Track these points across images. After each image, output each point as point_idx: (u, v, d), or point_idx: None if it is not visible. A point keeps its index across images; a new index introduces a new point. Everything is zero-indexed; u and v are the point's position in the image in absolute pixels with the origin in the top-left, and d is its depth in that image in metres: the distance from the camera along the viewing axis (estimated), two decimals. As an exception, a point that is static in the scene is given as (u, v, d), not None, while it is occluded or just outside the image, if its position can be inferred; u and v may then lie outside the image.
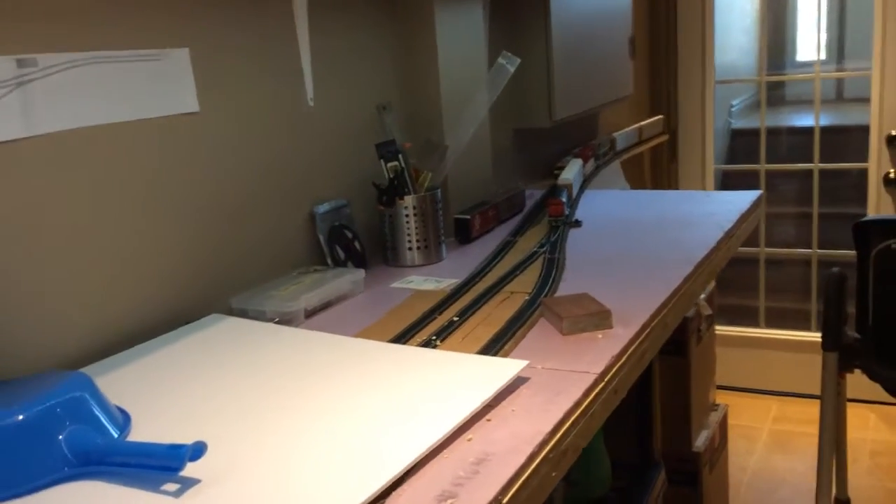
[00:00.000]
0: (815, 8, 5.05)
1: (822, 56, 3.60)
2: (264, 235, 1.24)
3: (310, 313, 1.15)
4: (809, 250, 2.94)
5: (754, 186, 2.84)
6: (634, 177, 2.80)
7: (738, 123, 4.29)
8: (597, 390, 0.85)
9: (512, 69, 1.46)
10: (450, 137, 1.52)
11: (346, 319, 1.12)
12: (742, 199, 1.63)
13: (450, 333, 1.02)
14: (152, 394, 0.86)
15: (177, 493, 0.66)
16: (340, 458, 0.70)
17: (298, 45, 1.29)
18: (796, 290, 3.08)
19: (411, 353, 0.94)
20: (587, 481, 1.48)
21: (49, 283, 0.93)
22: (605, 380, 0.87)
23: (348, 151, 1.42)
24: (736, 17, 4.09)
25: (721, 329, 2.90)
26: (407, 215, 1.37)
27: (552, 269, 1.26)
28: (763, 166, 2.96)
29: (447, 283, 1.25)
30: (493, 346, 0.97)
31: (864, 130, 2.84)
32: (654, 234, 1.44)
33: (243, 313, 1.12)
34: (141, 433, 0.78)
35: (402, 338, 1.02)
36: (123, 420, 0.78)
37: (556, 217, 1.57)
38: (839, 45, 4.87)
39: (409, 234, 1.37)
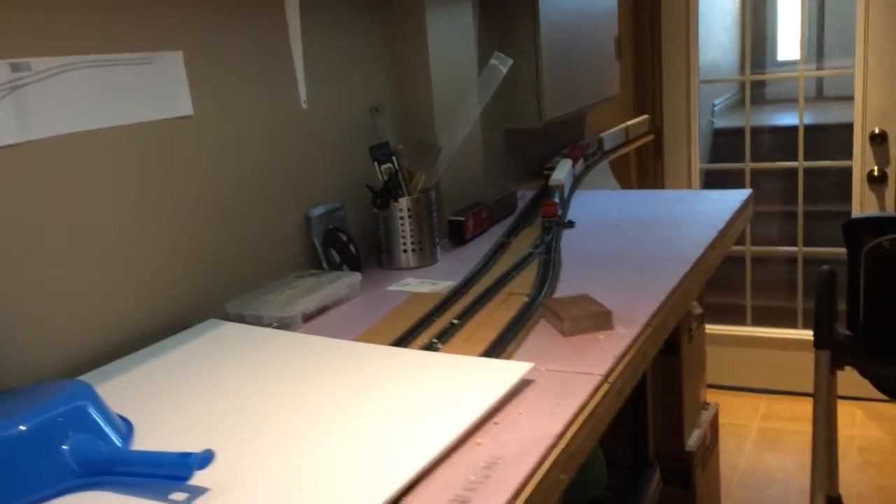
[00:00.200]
0: (794, 7, 5.10)
1: (800, 55, 3.62)
2: (259, 239, 1.23)
3: (307, 317, 1.14)
4: (795, 248, 2.96)
5: (736, 185, 2.86)
6: (621, 176, 2.80)
7: (721, 123, 4.31)
8: (602, 391, 0.85)
9: (504, 70, 1.46)
10: (442, 139, 1.51)
11: (345, 323, 1.12)
12: (733, 198, 1.63)
13: (451, 336, 1.02)
14: (153, 401, 0.85)
15: (186, 502, 0.65)
16: (350, 463, 0.69)
17: (291, 47, 1.28)
18: (782, 288, 3.10)
19: (414, 357, 0.93)
20: (583, 482, 1.48)
21: (45, 290, 0.91)
22: (610, 381, 0.87)
23: (341, 154, 1.41)
24: (716, 16, 4.12)
25: (708, 328, 2.91)
26: (401, 217, 1.36)
27: (549, 271, 1.26)
28: (748, 165, 2.98)
29: (444, 286, 1.25)
30: (496, 349, 0.96)
31: (845, 128, 2.87)
32: (647, 233, 1.44)
33: (240, 318, 1.11)
34: (144, 442, 0.77)
35: (402, 341, 1.01)
36: (126, 429, 0.77)
37: (550, 218, 1.57)
38: (818, 44, 4.91)
39: (403, 237, 1.36)
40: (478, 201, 1.62)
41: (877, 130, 2.69)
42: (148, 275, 1.04)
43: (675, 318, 1.14)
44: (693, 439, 1.88)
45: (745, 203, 1.64)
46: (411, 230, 1.36)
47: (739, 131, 3.77)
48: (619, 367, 0.90)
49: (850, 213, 2.81)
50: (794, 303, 2.97)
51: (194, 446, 0.68)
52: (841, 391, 1.75)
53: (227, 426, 0.78)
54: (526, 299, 1.14)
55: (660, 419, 1.77)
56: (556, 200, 1.63)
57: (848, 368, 1.68)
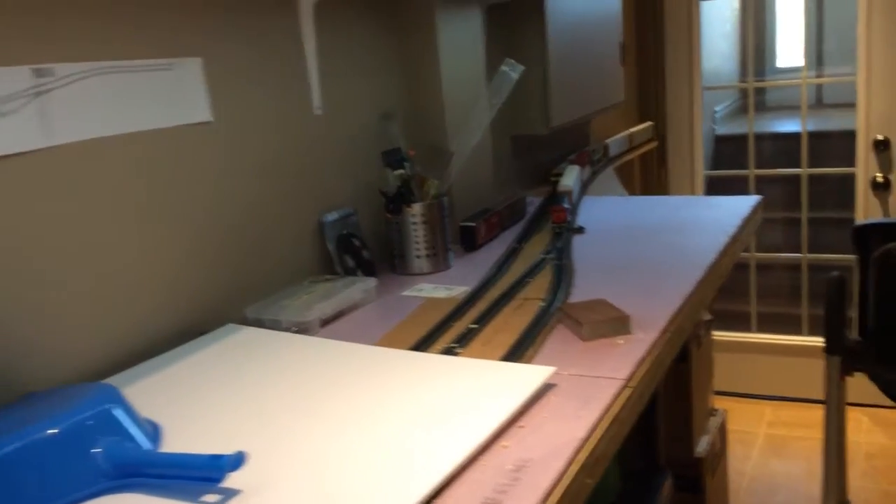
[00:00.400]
0: (792, 15, 5.11)
1: (802, 62, 3.64)
2: (274, 244, 1.24)
3: (324, 322, 1.14)
4: (799, 254, 2.97)
5: (737, 192, 2.87)
6: (625, 183, 2.81)
7: (722, 129, 4.33)
8: (625, 396, 0.85)
9: (515, 76, 1.46)
10: (453, 145, 1.52)
11: (362, 328, 1.12)
12: (742, 205, 1.64)
13: (469, 341, 1.02)
14: (177, 405, 0.85)
15: (218, 505, 0.66)
16: (380, 466, 0.69)
17: (305, 55, 1.29)
18: (786, 295, 3.11)
19: (435, 361, 0.93)
20: (596, 489, 1.48)
21: (66, 294, 0.92)
22: (632, 385, 0.88)
23: (353, 159, 1.42)
24: (716, 23, 4.13)
25: (713, 334, 2.91)
26: (414, 223, 1.36)
27: (562, 276, 1.27)
28: (752, 171, 2.98)
29: (458, 291, 1.25)
30: (515, 353, 0.97)
31: (845, 135, 2.88)
32: (658, 239, 1.44)
33: (258, 323, 1.11)
34: (171, 445, 0.77)
35: (421, 345, 1.02)
36: (154, 432, 0.77)
37: (560, 224, 1.57)
38: (818, 51, 4.93)
39: (416, 242, 1.37)
40: (487, 207, 1.63)
41: (880, 137, 2.70)
42: (167, 280, 1.05)
43: (691, 323, 1.14)
44: (702, 446, 1.88)
45: (755, 209, 1.64)
46: (424, 236, 1.37)
47: (740, 138, 3.78)
48: (640, 372, 0.91)
49: (852, 219, 2.81)
50: (799, 309, 2.98)
51: (221, 449, 0.69)
52: (847, 397, 1.76)
53: (252, 429, 0.79)
54: (542, 304, 1.14)
55: (669, 426, 1.77)
56: (566, 206, 1.64)
57: (856, 374, 1.69)
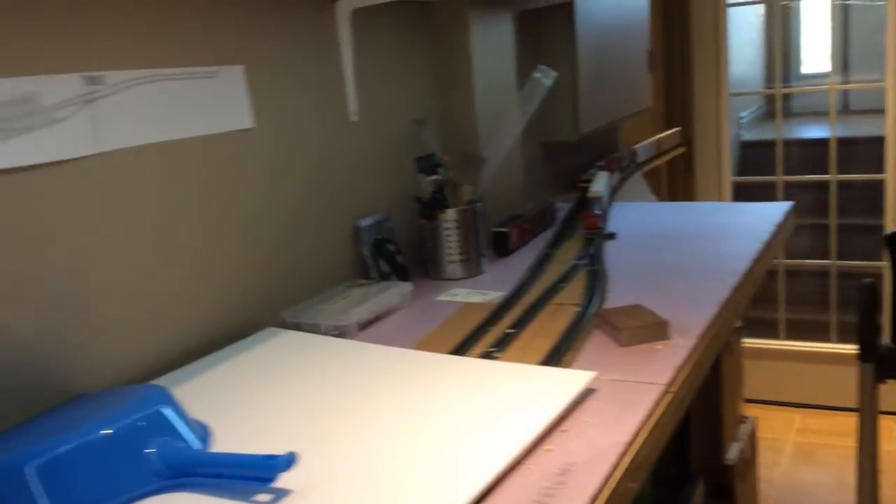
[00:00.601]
0: (818, 21, 5.09)
1: (827, 68, 3.62)
2: (311, 249, 1.25)
3: (361, 326, 1.15)
4: (828, 261, 2.95)
5: (763, 198, 2.86)
6: (651, 189, 2.81)
7: (747, 135, 4.31)
8: (666, 401, 0.86)
9: (549, 83, 1.47)
10: (485, 151, 1.53)
11: (399, 332, 1.13)
12: (774, 211, 1.64)
13: (507, 345, 1.03)
14: (224, 406, 0.87)
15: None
16: (427, 468, 0.70)
17: (342, 62, 1.30)
18: (814, 302, 3.09)
19: (475, 365, 0.94)
20: (627, 493, 1.48)
21: (115, 298, 0.93)
22: (672, 390, 0.88)
23: (387, 165, 1.43)
24: (741, 29, 4.12)
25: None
26: (448, 228, 1.37)
27: (596, 281, 1.27)
28: (780, 178, 2.97)
29: (493, 296, 1.26)
30: (554, 358, 0.97)
31: (873, 141, 2.86)
32: (690, 245, 1.44)
33: (296, 327, 1.13)
34: (219, 445, 0.78)
35: (460, 349, 1.03)
36: (203, 432, 0.78)
37: (591, 230, 1.58)
38: (843, 57, 4.90)
39: (450, 248, 1.38)
40: (518, 213, 1.64)
41: (910, 143, 2.69)
42: (210, 284, 1.06)
43: (728, 329, 1.14)
44: (733, 453, 1.87)
45: (787, 215, 1.64)
46: (458, 241, 1.38)
47: (765, 144, 3.76)
48: (681, 377, 0.91)
49: (881, 226, 2.80)
50: (828, 316, 2.96)
51: (269, 450, 0.70)
52: (880, 405, 1.75)
53: (299, 431, 0.80)
54: (577, 309, 1.15)
55: (700, 432, 1.77)
56: (597, 212, 1.64)
57: (889, 382, 1.68)
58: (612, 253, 1.45)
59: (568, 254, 1.48)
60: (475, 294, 1.28)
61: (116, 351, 0.94)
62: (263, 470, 0.67)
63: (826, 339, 2.94)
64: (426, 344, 1.06)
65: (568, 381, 0.86)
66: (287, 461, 0.67)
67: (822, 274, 3.01)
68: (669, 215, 1.72)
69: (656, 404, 0.84)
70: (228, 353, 1.02)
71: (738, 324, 1.91)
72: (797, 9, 5.06)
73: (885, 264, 2.78)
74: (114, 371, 0.93)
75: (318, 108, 1.26)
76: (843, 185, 2.99)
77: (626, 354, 0.97)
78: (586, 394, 0.86)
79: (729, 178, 3.03)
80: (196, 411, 0.83)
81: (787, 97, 4.88)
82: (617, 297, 1.19)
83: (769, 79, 4.67)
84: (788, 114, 4.92)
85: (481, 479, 0.68)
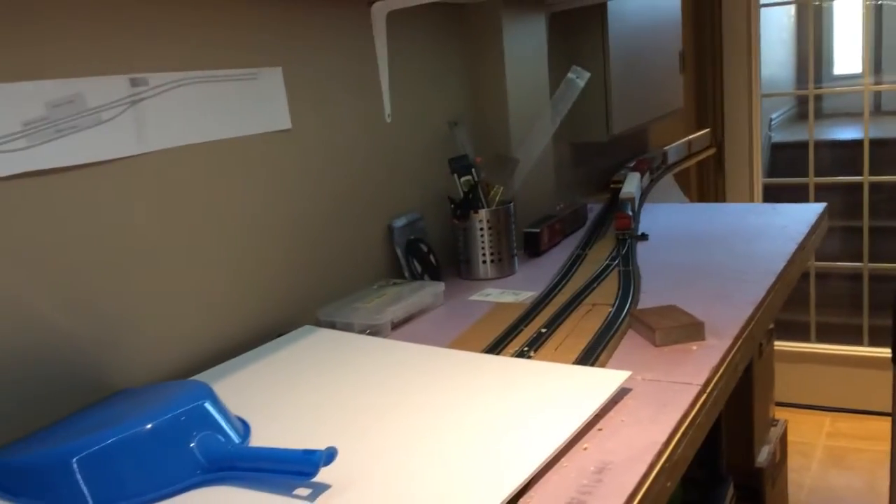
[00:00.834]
0: (850, 22, 5.03)
1: (859, 69, 3.59)
2: (346, 249, 1.26)
3: (395, 325, 1.16)
4: (860, 263, 2.92)
5: (795, 200, 2.83)
6: (682, 190, 2.80)
7: (778, 137, 4.28)
8: (701, 401, 0.86)
9: (582, 83, 1.48)
10: (518, 152, 1.53)
11: (433, 331, 1.14)
12: (809, 212, 1.63)
13: (541, 344, 1.04)
14: (263, 402, 0.88)
15: (310, 498, 0.68)
16: (463, 464, 0.71)
17: (378, 64, 1.31)
18: (846, 305, 3.06)
19: (509, 364, 0.95)
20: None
21: (156, 296, 0.95)
22: (708, 391, 0.88)
23: (421, 166, 1.44)
24: (773, 30, 4.09)
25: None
26: (481, 229, 1.38)
27: (630, 282, 1.27)
28: (812, 179, 2.95)
29: (526, 296, 1.26)
30: (589, 357, 0.98)
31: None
32: (723, 246, 1.44)
33: (331, 325, 1.14)
34: (259, 440, 0.79)
35: (494, 348, 1.03)
36: (244, 428, 0.80)
37: (624, 230, 1.58)
38: (876, 58, 4.84)
39: (483, 248, 1.38)
40: (550, 214, 1.64)
41: (945, 145, 2.65)
42: (248, 282, 1.08)
43: (762, 330, 1.14)
44: (763, 456, 1.87)
45: (821, 217, 1.63)
46: (490, 241, 1.38)
47: (797, 145, 3.73)
48: (716, 378, 0.91)
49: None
50: (859, 319, 2.93)
51: (308, 445, 0.71)
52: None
53: (336, 427, 0.81)
54: (611, 310, 1.15)
55: (731, 435, 1.76)
56: (630, 213, 1.64)
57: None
58: (644, 254, 1.45)
59: (600, 254, 1.48)
60: (507, 294, 1.29)
61: (156, 348, 0.95)
62: (303, 464, 0.68)
63: (857, 343, 2.91)
64: (460, 343, 1.07)
65: (603, 381, 0.86)
66: (328, 456, 0.68)
67: (854, 277, 2.98)
68: (701, 216, 1.72)
69: (692, 404, 0.84)
70: (265, 350, 1.03)
71: (769, 325, 1.90)
72: (830, 9, 5.01)
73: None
74: (153, 367, 0.95)
75: (354, 109, 1.28)
76: (875, 187, 2.96)
77: (660, 355, 0.97)
78: (621, 393, 0.86)
79: (760, 180, 3.01)
80: (234, 407, 0.85)
81: (818, 99, 4.83)
82: (650, 297, 1.19)
83: (800, 80, 4.62)
84: (819, 115, 4.87)
85: (519, 475, 0.68)
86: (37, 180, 0.82)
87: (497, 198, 1.43)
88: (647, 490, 0.71)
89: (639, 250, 1.48)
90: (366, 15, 1.29)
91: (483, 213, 1.38)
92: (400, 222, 1.36)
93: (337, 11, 1.23)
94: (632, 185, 1.88)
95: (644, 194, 2.04)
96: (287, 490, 0.69)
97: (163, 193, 0.96)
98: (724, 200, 3.02)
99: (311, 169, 1.19)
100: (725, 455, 1.69)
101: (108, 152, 0.87)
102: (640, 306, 1.15)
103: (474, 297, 1.29)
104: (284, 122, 1.11)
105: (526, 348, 1.03)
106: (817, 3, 4.79)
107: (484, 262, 1.39)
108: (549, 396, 0.84)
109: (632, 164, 2.15)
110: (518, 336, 1.08)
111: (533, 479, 0.70)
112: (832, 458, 2.60)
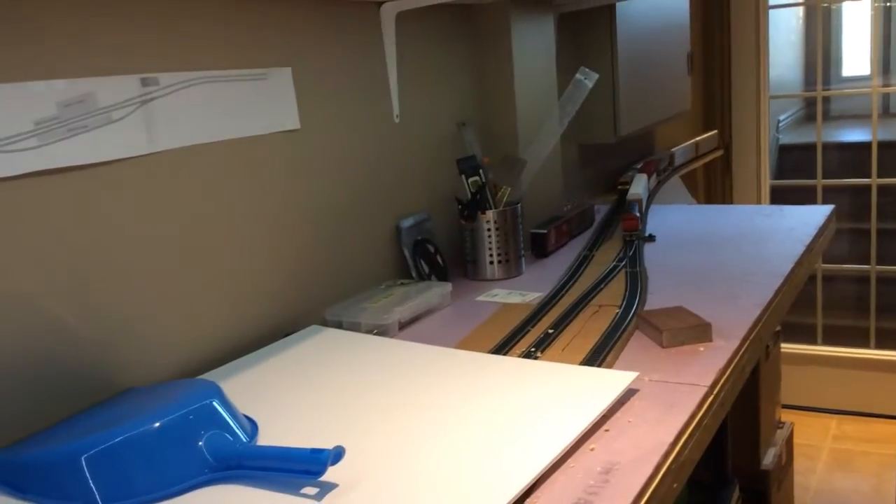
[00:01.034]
0: (859, 24, 5.02)
1: (867, 71, 3.58)
2: (353, 249, 1.27)
3: (402, 325, 1.16)
4: (868, 266, 2.91)
5: (801, 202, 2.83)
6: (689, 191, 2.79)
7: (785, 138, 4.27)
8: (708, 403, 0.86)
9: (590, 84, 1.47)
10: (526, 153, 1.53)
11: (440, 331, 1.14)
12: (816, 214, 1.62)
13: (548, 345, 1.04)
14: (270, 401, 0.88)
15: (318, 497, 0.68)
16: (471, 464, 0.71)
17: (386, 64, 1.32)
18: (853, 307, 3.05)
19: (516, 364, 0.95)
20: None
21: (164, 295, 0.96)
22: (715, 392, 0.88)
23: (429, 166, 1.44)
24: (781, 32, 4.08)
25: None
26: (488, 230, 1.38)
27: (637, 283, 1.27)
28: (820, 181, 2.94)
29: (532, 297, 1.26)
30: (596, 358, 0.98)
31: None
32: (730, 247, 1.44)
33: (338, 325, 1.14)
34: (266, 439, 0.80)
35: (501, 349, 1.03)
36: (251, 427, 0.80)
37: (631, 232, 1.58)
38: (885, 60, 4.82)
39: (490, 249, 1.39)
40: (557, 215, 1.64)
41: (954, 148, 2.65)
42: (256, 281, 1.08)
43: (769, 332, 1.14)
44: (769, 458, 1.86)
45: (829, 219, 1.63)
46: (498, 242, 1.38)
47: (804, 147, 3.72)
48: (723, 380, 0.91)
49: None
50: (866, 322, 2.92)
51: (315, 445, 0.71)
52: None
53: (343, 426, 0.81)
54: (618, 311, 1.15)
55: (737, 437, 1.76)
56: (637, 214, 1.64)
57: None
58: (651, 255, 1.45)
59: (607, 255, 1.48)
60: (514, 295, 1.29)
61: (164, 346, 0.96)
62: (311, 463, 0.68)
63: (864, 345, 2.91)
64: (466, 343, 1.07)
65: (610, 381, 0.86)
66: (336, 455, 0.68)
67: (861, 279, 2.98)
68: (709, 218, 1.72)
69: (699, 406, 0.84)
70: (272, 350, 1.04)
71: (776, 327, 1.90)
72: (838, 11, 5.00)
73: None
74: (161, 366, 0.95)
75: (363, 109, 1.28)
76: (882, 190, 2.95)
77: (667, 356, 0.97)
78: (628, 394, 0.86)
79: (767, 182, 3.00)
80: (241, 406, 0.85)
81: (825, 100, 4.82)
82: (657, 299, 1.19)
83: (808, 81, 4.61)
84: (827, 117, 4.86)
85: (526, 475, 0.68)
86: (48, 179, 0.83)
87: (504, 199, 1.43)
88: (653, 491, 0.71)
89: (646, 251, 1.48)
90: (375, 15, 1.30)
91: (490, 214, 1.38)
92: (407, 223, 1.36)
93: (346, 12, 1.23)
94: (639, 186, 1.88)
95: (651, 196, 2.04)
96: (294, 489, 0.70)
97: (173, 193, 0.96)
98: (731, 202, 3.02)
99: (319, 169, 1.19)
100: (731, 457, 1.68)
101: (118, 152, 0.87)
102: (647, 307, 1.15)
103: (481, 298, 1.29)
104: (293, 122, 1.11)
105: (533, 349, 1.03)
106: (826, 4, 4.78)
107: (491, 262, 1.39)
108: (556, 397, 0.84)
109: (639, 166, 2.15)
110: (525, 337, 1.08)
111: (539, 479, 0.70)
112: (838, 460, 2.59)
